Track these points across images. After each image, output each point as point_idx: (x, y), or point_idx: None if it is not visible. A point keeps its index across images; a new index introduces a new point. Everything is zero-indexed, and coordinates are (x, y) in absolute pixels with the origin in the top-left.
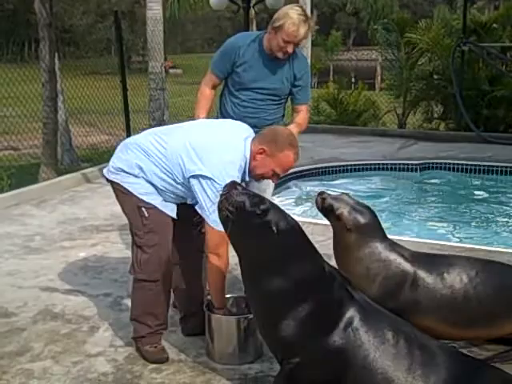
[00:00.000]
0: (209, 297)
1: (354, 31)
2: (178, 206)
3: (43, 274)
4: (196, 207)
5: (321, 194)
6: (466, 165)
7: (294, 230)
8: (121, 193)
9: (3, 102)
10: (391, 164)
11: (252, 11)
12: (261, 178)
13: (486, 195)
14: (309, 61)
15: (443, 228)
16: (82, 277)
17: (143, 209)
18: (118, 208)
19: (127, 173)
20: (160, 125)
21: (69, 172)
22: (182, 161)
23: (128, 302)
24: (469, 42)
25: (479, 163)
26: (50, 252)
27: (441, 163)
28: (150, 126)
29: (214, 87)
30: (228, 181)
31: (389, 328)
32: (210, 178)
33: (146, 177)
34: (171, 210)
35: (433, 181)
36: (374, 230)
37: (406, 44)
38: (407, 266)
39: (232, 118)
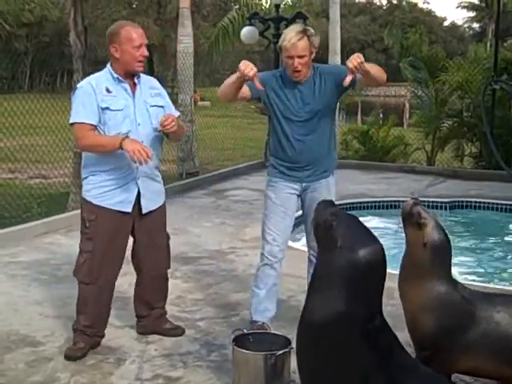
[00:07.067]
0: (236, 331)
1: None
2: (143, 217)
3: (70, 303)
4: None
5: (415, 198)
6: (497, 204)
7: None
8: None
9: (36, 130)
10: (420, 201)
11: None
12: (138, 62)
13: None
14: None
15: (472, 268)
16: None
17: (86, 220)
18: None
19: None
20: (189, 157)
21: None
22: None
23: (155, 334)
24: (500, 80)
25: (510, 202)
26: None
27: (470, 201)
28: (179, 158)
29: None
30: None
31: None
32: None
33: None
34: (121, 203)
35: (462, 219)
36: (446, 263)
37: (436, 81)
38: (468, 307)
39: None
